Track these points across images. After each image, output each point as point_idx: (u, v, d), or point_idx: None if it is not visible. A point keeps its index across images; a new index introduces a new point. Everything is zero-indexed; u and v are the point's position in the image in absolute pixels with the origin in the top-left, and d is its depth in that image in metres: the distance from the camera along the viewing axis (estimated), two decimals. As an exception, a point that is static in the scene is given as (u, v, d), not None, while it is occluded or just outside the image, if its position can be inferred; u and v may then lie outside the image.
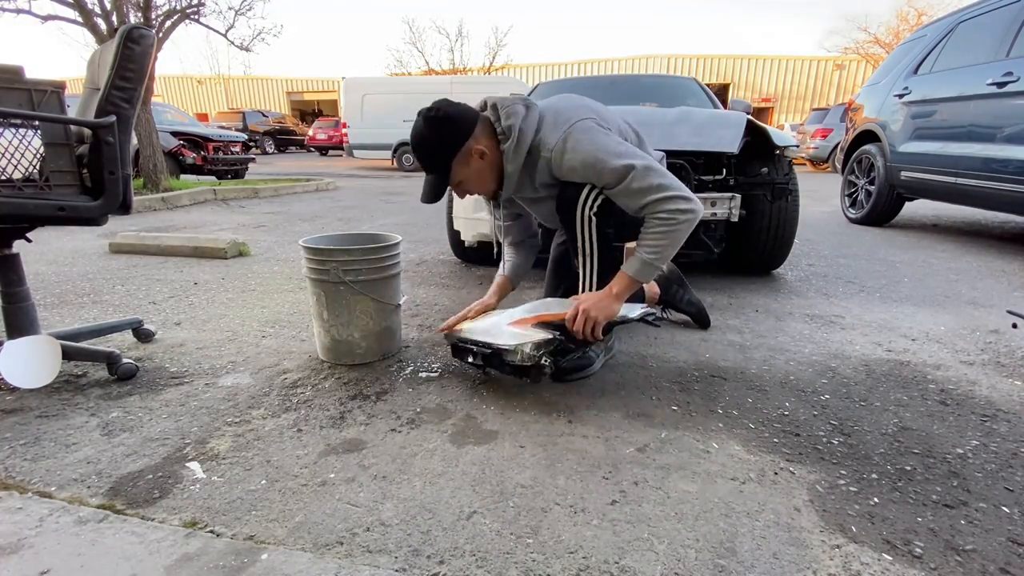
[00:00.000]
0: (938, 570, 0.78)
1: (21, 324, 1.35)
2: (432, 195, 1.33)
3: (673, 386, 1.38)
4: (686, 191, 1.23)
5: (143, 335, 1.67)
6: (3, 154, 1.19)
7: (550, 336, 1.29)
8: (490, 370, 1.41)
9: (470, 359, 1.37)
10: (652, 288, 1.78)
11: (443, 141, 1.26)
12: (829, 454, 1.07)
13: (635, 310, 1.38)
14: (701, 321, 1.84)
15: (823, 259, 2.98)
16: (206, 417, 1.21)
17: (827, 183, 8.11)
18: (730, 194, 2.10)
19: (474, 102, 1.38)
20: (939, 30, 3.83)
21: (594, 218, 1.31)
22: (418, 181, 8.84)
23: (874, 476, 1.00)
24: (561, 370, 1.37)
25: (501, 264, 1.61)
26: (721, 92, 20.33)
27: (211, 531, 0.85)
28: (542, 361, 1.27)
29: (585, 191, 1.30)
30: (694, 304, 1.83)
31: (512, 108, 1.28)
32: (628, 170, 1.20)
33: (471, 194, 1.40)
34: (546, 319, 1.34)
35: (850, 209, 4.51)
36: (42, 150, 1.25)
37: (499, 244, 1.98)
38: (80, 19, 5.04)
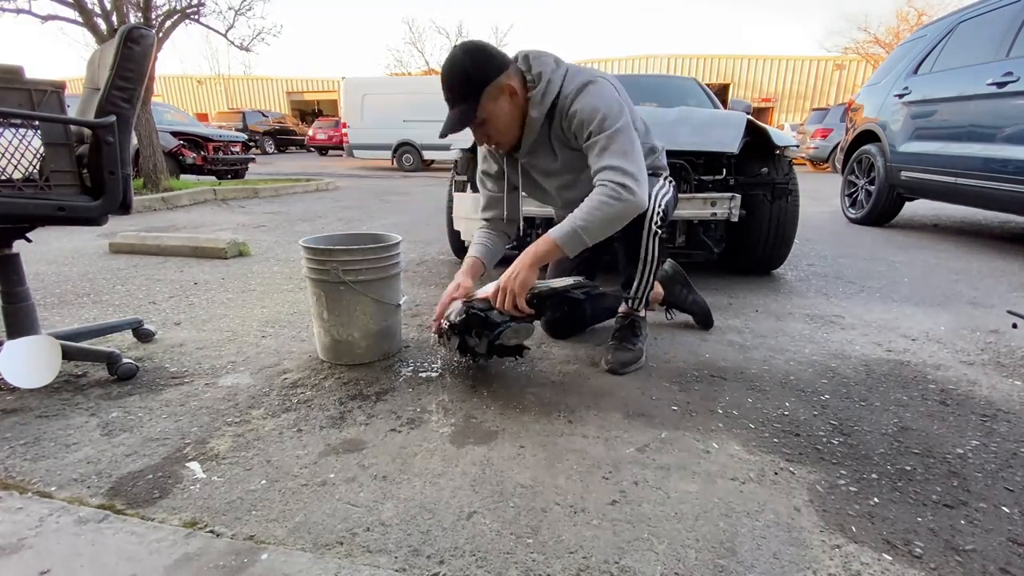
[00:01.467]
0: (938, 570, 0.78)
1: (21, 324, 1.35)
2: (457, 124, 1.30)
3: (673, 386, 1.38)
4: (642, 179, 1.24)
5: (143, 335, 1.67)
6: (3, 154, 1.19)
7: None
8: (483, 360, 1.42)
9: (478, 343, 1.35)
10: (656, 288, 1.76)
11: (479, 68, 1.26)
12: (829, 454, 1.07)
13: (565, 281, 1.39)
14: (705, 322, 1.83)
15: (823, 259, 2.98)
16: (206, 417, 1.21)
17: (827, 183, 8.11)
18: (730, 194, 2.10)
19: None
20: (939, 30, 3.83)
21: (659, 231, 1.40)
22: (418, 181, 8.84)
23: (874, 476, 1.00)
24: (620, 363, 1.46)
25: (472, 246, 1.55)
26: (721, 92, 20.32)
27: (211, 531, 0.85)
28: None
29: (650, 206, 1.35)
30: (699, 304, 1.82)
31: (543, 59, 1.32)
32: (612, 131, 1.23)
33: (490, 141, 1.38)
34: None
35: (850, 209, 4.51)
36: (42, 150, 1.25)
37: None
38: (80, 19, 5.04)
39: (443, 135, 1.36)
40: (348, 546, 0.82)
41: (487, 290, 1.35)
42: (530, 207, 1.99)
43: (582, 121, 1.27)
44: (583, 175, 1.34)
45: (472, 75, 1.26)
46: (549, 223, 1.73)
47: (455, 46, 1.29)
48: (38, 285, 2.27)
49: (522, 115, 1.33)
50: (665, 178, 1.53)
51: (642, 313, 1.58)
